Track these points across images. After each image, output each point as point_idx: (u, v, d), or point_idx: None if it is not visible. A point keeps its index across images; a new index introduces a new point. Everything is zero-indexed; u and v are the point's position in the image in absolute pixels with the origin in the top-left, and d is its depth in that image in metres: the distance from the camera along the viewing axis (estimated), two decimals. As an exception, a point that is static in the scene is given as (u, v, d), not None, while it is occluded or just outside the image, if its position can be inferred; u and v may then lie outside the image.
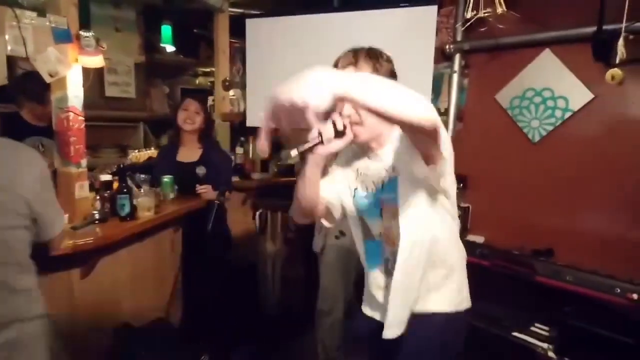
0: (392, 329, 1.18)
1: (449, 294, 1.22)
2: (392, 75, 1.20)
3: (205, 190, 2.27)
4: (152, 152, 2.91)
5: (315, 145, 1.06)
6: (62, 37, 1.68)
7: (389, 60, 1.20)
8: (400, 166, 1.16)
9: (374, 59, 1.17)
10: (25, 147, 1.31)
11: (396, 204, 1.17)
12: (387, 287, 1.26)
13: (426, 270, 1.18)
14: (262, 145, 0.84)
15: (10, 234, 1.18)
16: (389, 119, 0.84)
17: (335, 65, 1.19)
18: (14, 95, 2.26)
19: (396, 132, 1.18)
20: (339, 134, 1.05)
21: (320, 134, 1.02)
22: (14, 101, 2.28)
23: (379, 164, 1.22)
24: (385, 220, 1.23)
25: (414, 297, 1.19)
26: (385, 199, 1.22)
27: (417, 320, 1.19)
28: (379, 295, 1.30)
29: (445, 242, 1.20)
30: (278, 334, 2.76)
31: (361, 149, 1.26)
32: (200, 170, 2.27)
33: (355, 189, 1.29)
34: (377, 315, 1.31)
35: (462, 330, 1.26)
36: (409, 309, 1.19)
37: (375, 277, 1.30)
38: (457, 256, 1.25)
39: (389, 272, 1.25)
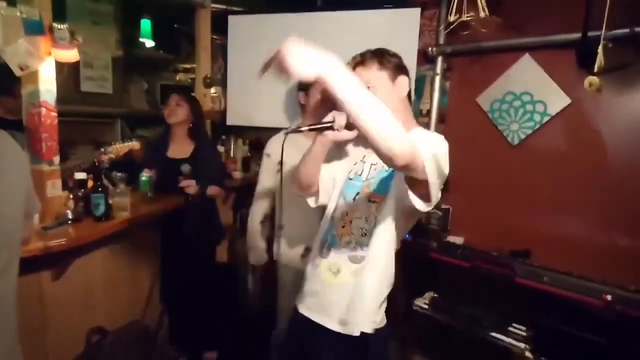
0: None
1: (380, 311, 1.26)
2: (401, 68, 1.26)
3: (189, 185, 2.19)
4: (134, 144, 2.76)
5: (326, 128, 1.08)
6: (33, 28, 1.61)
7: (395, 55, 1.27)
8: (397, 180, 1.19)
9: (379, 55, 1.24)
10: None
11: (383, 199, 1.22)
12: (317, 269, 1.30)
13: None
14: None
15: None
16: (356, 122, 0.91)
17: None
18: None
19: (414, 130, 1.22)
20: (350, 126, 1.07)
21: (334, 121, 1.05)
22: None
23: None
24: (359, 204, 1.27)
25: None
26: (373, 187, 1.26)
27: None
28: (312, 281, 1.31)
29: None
30: (257, 334, 2.72)
31: None
32: (185, 168, 2.22)
33: (355, 174, 1.34)
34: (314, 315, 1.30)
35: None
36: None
37: (314, 257, 1.34)
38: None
39: (323, 253, 1.29)
